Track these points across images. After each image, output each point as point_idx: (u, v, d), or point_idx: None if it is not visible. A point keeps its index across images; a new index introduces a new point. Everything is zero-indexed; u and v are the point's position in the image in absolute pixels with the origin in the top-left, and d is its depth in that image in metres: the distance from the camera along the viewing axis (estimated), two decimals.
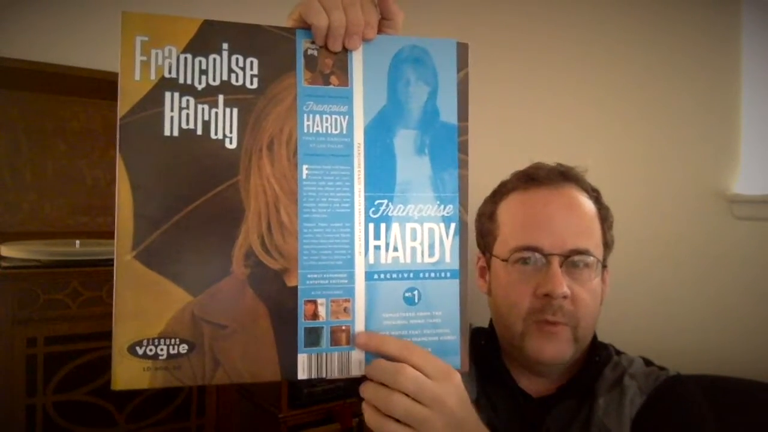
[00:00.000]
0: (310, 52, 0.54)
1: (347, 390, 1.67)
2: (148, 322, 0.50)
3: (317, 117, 0.54)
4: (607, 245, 0.79)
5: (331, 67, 0.54)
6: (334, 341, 0.53)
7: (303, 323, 0.53)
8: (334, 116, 0.54)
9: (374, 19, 0.54)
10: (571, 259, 0.73)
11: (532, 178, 0.79)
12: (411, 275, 0.55)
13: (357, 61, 0.55)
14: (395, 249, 0.55)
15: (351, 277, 0.54)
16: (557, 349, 0.73)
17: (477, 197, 0.83)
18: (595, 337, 0.80)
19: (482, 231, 0.84)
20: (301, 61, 0.53)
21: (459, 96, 0.57)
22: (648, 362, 0.79)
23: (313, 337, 0.53)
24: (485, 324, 0.87)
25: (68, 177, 1.74)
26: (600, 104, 1.66)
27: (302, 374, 0.52)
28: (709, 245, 1.42)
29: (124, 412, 1.48)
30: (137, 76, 0.50)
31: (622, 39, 1.61)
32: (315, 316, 0.53)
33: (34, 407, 1.38)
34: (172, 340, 0.50)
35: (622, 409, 0.72)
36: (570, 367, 0.78)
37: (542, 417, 0.75)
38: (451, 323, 0.55)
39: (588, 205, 0.78)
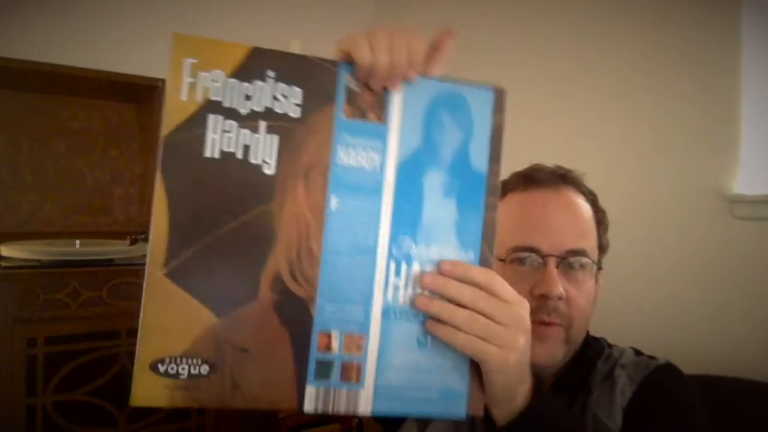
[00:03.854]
0: (351, 86, 0.54)
1: None
2: (173, 340, 0.49)
3: (352, 150, 0.54)
4: (602, 248, 0.81)
5: (371, 102, 0.54)
6: (345, 377, 0.53)
7: (315, 354, 0.52)
8: (368, 151, 0.54)
9: (418, 60, 0.54)
10: (568, 261, 0.74)
11: (532, 179, 0.80)
12: (426, 317, 0.54)
13: (396, 100, 0.55)
14: (414, 289, 0.54)
15: (368, 313, 0.53)
16: (549, 351, 0.73)
17: None
18: (587, 332, 0.81)
19: None
20: (341, 94, 0.54)
21: (492, 142, 0.57)
22: (638, 353, 0.80)
23: (324, 369, 0.52)
24: None
25: (68, 177, 1.74)
26: (600, 104, 1.66)
27: (309, 406, 0.52)
28: (709, 245, 1.42)
29: (124, 412, 1.48)
30: (184, 96, 0.50)
31: (622, 39, 1.61)
32: (328, 348, 0.52)
33: (34, 407, 1.38)
34: (195, 360, 0.50)
35: (613, 399, 0.72)
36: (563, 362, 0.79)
37: None
38: (461, 369, 0.54)
39: (585, 207, 0.79)
